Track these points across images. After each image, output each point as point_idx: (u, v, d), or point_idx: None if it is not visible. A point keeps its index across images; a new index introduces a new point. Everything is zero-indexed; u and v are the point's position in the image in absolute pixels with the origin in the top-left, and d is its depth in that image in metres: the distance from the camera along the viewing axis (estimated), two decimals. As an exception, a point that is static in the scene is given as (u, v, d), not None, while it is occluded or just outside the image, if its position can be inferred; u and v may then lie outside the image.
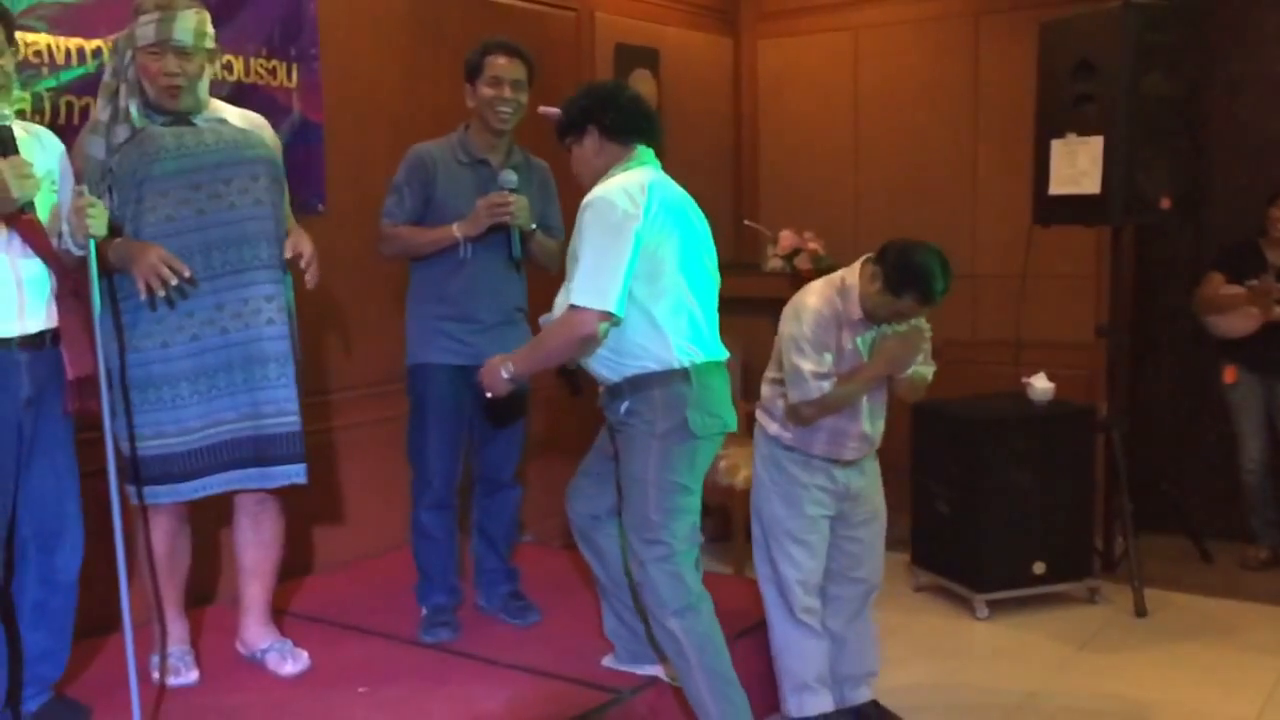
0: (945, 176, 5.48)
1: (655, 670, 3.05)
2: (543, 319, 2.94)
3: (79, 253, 2.63)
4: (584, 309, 2.68)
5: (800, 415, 3.04)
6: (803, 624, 3.15)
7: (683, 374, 2.76)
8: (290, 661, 3.10)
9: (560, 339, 2.75)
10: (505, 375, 2.84)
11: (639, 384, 2.77)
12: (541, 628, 3.44)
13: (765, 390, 3.21)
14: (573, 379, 3.06)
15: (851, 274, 3.06)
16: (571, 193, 3.02)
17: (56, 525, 2.71)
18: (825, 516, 3.16)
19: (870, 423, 3.13)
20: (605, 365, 2.81)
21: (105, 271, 2.75)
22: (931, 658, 3.95)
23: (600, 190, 2.76)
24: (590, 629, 3.30)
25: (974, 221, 5.43)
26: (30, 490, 2.67)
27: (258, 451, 2.89)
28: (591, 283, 2.67)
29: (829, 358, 3.01)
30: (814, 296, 3.06)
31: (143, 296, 2.74)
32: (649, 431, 2.76)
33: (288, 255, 2.91)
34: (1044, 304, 5.02)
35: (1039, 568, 4.35)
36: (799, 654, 3.15)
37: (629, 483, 2.82)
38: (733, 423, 2.87)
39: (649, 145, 2.90)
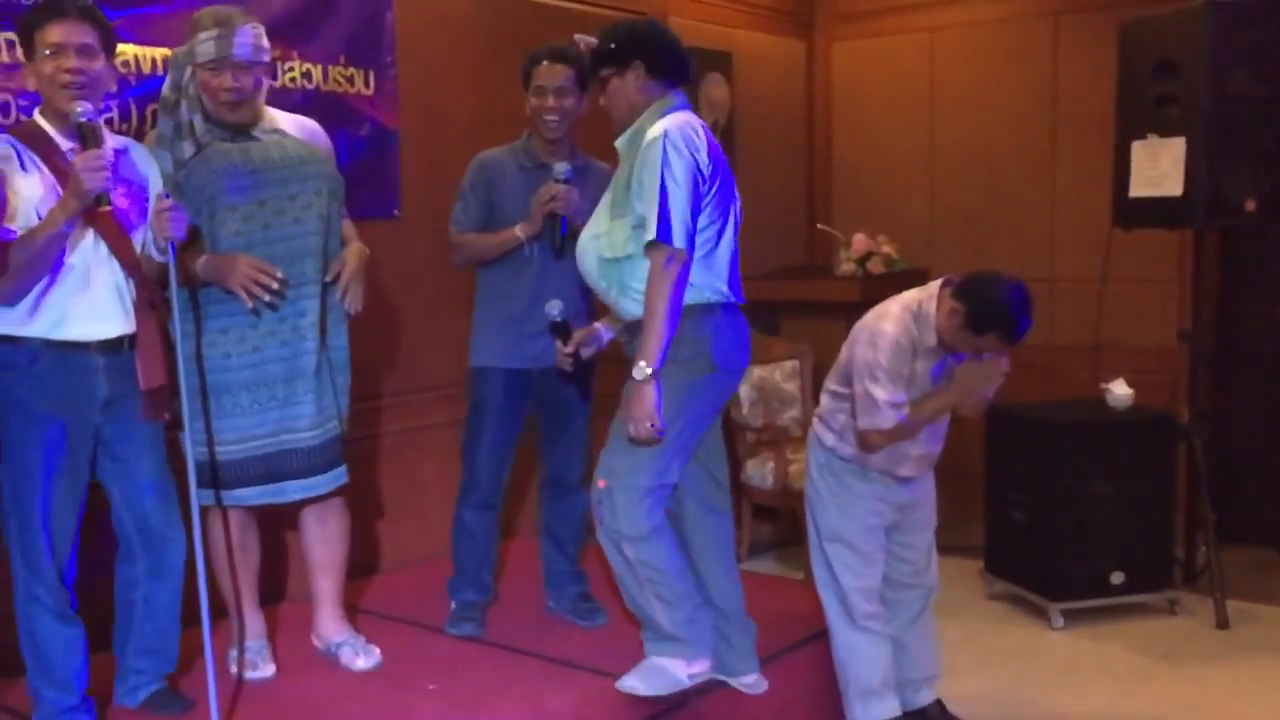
0: (1022, 179, 5.40)
1: (719, 676, 3.05)
2: (549, 306, 2.96)
3: (160, 258, 2.70)
4: (674, 247, 2.68)
5: (869, 442, 3.00)
6: (865, 629, 3.12)
7: (714, 309, 2.80)
8: (363, 656, 3.16)
9: (667, 293, 2.70)
10: (639, 377, 2.72)
11: None
12: (609, 629, 3.46)
13: (825, 401, 3.16)
14: (564, 330, 3.04)
15: (929, 300, 2.98)
16: (598, 137, 2.98)
17: (159, 522, 2.80)
18: (880, 526, 3.12)
19: (929, 444, 3.10)
20: (628, 299, 2.81)
21: (187, 284, 2.83)
22: (1004, 667, 3.90)
23: (667, 127, 2.74)
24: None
25: (1052, 224, 5.34)
26: (131, 490, 2.76)
27: (293, 464, 2.97)
28: (675, 220, 2.69)
29: (902, 387, 2.96)
30: (892, 324, 2.97)
31: (248, 305, 2.83)
32: (670, 358, 2.75)
33: (328, 277, 2.98)
34: (1124, 308, 4.92)
35: (1117, 577, 4.27)
36: (863, 660, 3.13)
37: (620, 406, 2.82)
38: (747, 364, 2.92)
39: (683, 89, 2.90)
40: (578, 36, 2.91)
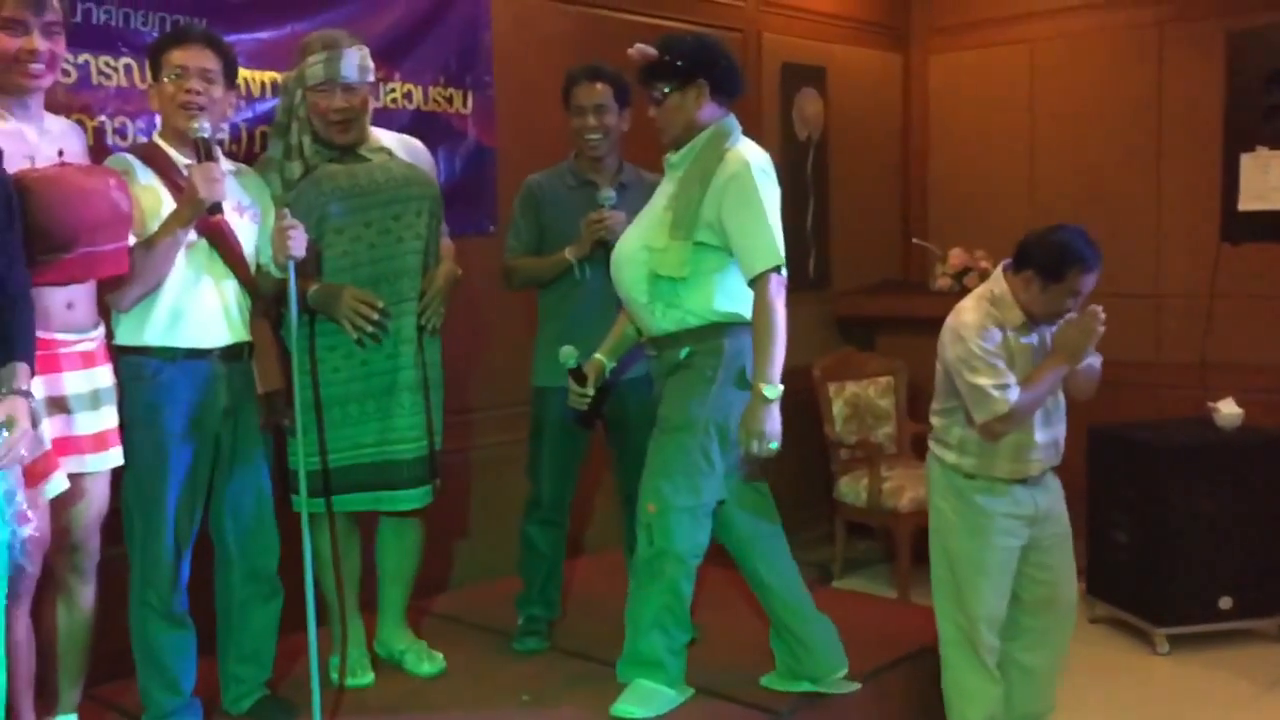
0: (1126, 193, 5.27)
1: (813, 687, 3.03)
2: (563, 355, 2.98)
3: (279, 275, 2.79)
4: (777, 273, 2.77)
5: (994, 432, 2.94)
6: (983, 667, 3.05)
7: (748, 327, 2.82)
8: (427, 662, 3.22)
9: (783, 313, 2.77)
10: (771, 396, 2.74)
11: (709, 332, 2.81)
12: (698, 646, 3.45)
13: (936, 422, 3.13)
14: (580, 374, 3.02)
15: (997, 284, 3.00)
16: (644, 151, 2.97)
17: (257, 529, 2.88)
18: (1016, 546, 3.04)
19: (1050, 429, 3.03)
20: (669, 316, 2.82)
21: (301, 303, 2.90)
22: (1108, 694, 3.80)
23: (747, 156, 2.79)
24: (748, 647, 3.30)
25: (1157, 239, 5.20)
26: (233, 497, 2.84)
27: (390, 475, 3.03)
28: (779, 245, 2.77)
29: (1004, 366, 2.93)
30: (970, 313, 2.99)
31: (353, 338, 2.92)
32: (709, 377, 2.78)
33: (421, 304, 3.04)
34: (1232, 324, 4.78)
35: (1225, 602, 4.14)
36: (976, 698, 3.06)
37: (675, 428, 2.81)
38: None
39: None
40: (638, 46, 2.89)
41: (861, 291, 5.65)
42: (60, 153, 2.52)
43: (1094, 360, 3.04)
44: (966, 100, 5.80)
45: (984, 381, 2.90)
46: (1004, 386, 2.89)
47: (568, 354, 3.02)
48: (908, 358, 5.28)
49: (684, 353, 2.83)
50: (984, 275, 5.23)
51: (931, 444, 3.15)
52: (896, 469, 4.92)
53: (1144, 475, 4.22)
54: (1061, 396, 3.07)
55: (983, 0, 5.71)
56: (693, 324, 2.82)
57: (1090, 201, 5.38)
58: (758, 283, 2.77)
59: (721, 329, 2.82)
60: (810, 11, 5.43)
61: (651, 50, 2.84)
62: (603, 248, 3.19)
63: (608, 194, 3.25)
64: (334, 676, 3.14)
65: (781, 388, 2.75)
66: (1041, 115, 5.54)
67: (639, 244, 2.88)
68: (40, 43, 2.40)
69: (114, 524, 2.70)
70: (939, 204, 5.93)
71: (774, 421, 2.74)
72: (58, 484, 2.40)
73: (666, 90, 2.83)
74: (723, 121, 2.86)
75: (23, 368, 2.18)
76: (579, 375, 3.03)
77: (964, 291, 5.18)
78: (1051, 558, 3.09)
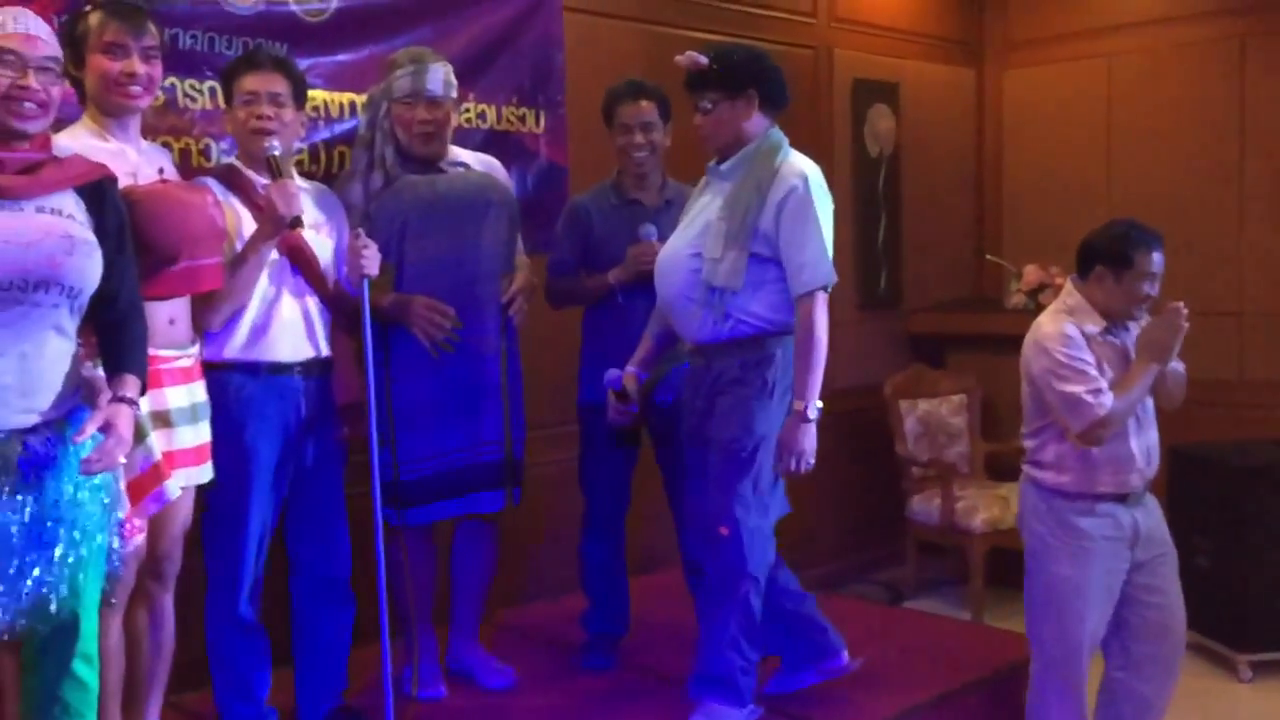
0: (1207, 209, 5.15)
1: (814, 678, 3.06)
2: (607, 378, 3.00)
3: (355, 293, 2.85)
4: (824, 290, 2.78)
5: (1094, 439, 2.86)
6: (1077, 697, 2.98)
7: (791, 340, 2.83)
8: (497, 675, 3.25)
9: (822, 333, 2.76)
10: (813, 416, 2.76)
11: (761, 342, 2.81)
12: (770, 661, 3.44)
13: (1029, 444, 3.05)
14: (622, 393, 3.05)
15: (1069, 296, 2.98)
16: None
17: (330, 539, 2.93)
18: (1120, 569, 2.97)
19: (1144, 435, 2.98)
20: (722, 324, 2.81)
21: (377, 318, 2.95)
22: (1187, 721, 3.71)
23: (803, 170, 2.81)
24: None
25: (1240, 256, 5.09)
26: (308, 507, 2.90)
27: (474, 477, 3.08)
28: (828, 262, 2.79)
29: (1094, 372, 2.88)
30: (1050, 325, 2.95)
31: (427, 346, 2.98)
32: (765, 390, 2.79)
33: (504, 299, 3.10)
34: (1320, 343, 4.65)
35: (1311, 628, 4.02)
36: None
37: (738, 446, 2.78)
38: None
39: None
40: (689, 54, 2.88)
41: (934, 309, 5.60)
42: (160, 170, 2.61)
43: (1178, 365, 2.99)
44: (1042, 115, 5.72)
45: (1076, 389, 2.85)
46: (1097, 391, 2.84)
47: (612, 377, 3.07)
48: (980, 376, 5.22)
49: (739, 364, 2.83)
50: (1059, 292, 5.17)
51: (1026, 468, 3.08)
52: (969, 488, 4.86)
53: (1226, 497, 4.12)
54: (1151, 402, 3.02)
55: (1059, 15, 5.64)
56: (746, 333, 2.83)
57: (1170, 218, 5.24)
58: (804, 299, 2.78)
59: (775, 339, 2.83)
60: (882, 28, 5.41)
61: (702, 59, 2.86)
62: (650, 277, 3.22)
63: (649, 229, 3.26)
64: (408, 687, 3.17)
65: (821, 405, 2.76)
66: (1119, 131, 5.45)
67: (689, 251, 2.89)
68: (139, 66, 2.48)
69: (190, 533, 2.75)
70: (1013, 220, 5.86)
71: (812, 439, 2.76)
72: (172, 491, 2.47)
73: (716, 99, 2.84)
74: (771, 132, 2.88)
75: (131, 379, 2.24)
76: (621, 395, 3.06)
77: (1039, 309, 5.11)
78: (1157, 579, 3.01)
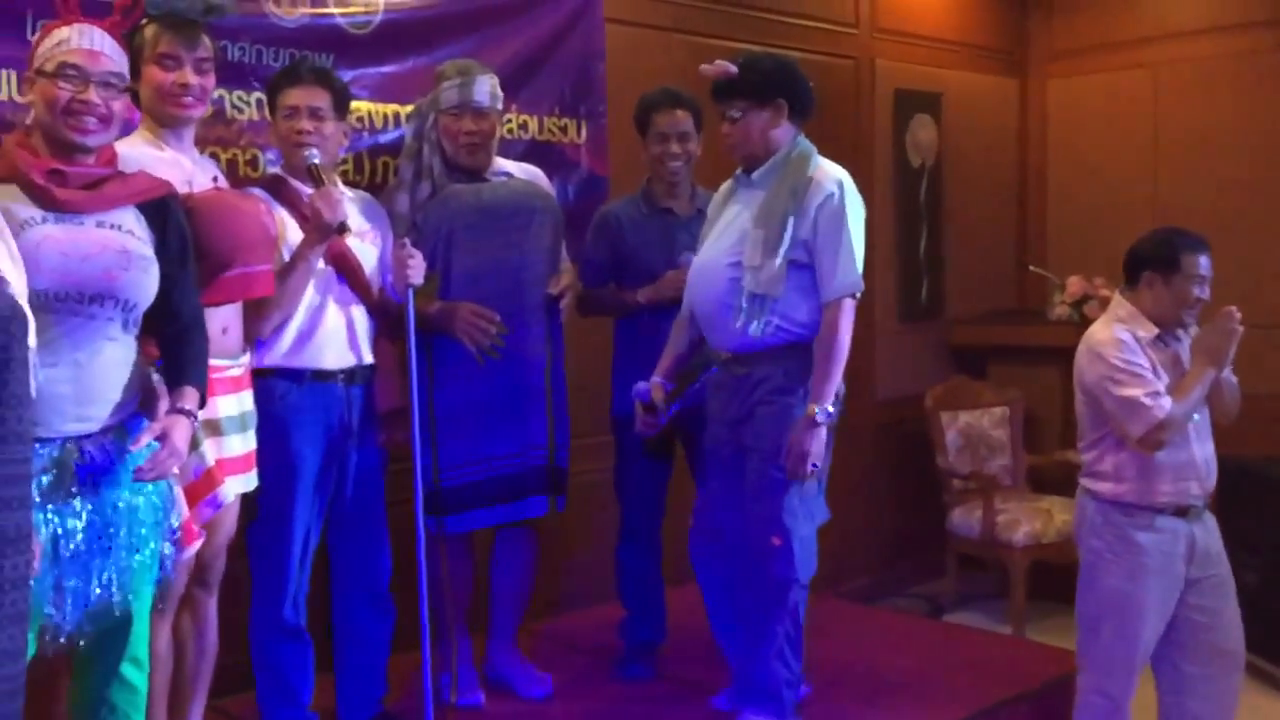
0: (1256, 220, 5.07)
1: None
2: (636, 391, 3.00)
3: (399, 300, 2.88)
4: (853, 297, 2.80)
5: (1155, 443, 2.82)
6: (1124, 716, 2.95)
7: None
8: (535, 683, 3.25)
9: (845, 339, 2.79)
10: (821, 420, 2.77)
11: (799, 349, 2.83)
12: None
13: (1087, 456, 3.01)
14: (651, 406, 3.06)
15: (1120, 307, 2.96)
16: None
17: (371, 546, 2.96)
18: (1175, 586, 2.92)
19: (1202, 444, 2.94)
20: (761, 331, 2.81)
21: (422, 326, 2.98)
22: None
23: (838, 177, 2.84)
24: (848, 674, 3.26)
25: (1289, 267, 5.01)
26: (351, 514, 2.92)
27: (521, 483, 3.09)
28: (858, 269, 2.81)
29: (1150, 376, 2.84)
30: (1102, 332, 2.93)
31: (473, 353, 3.00)
32: (805, 399, 2.79)
33: (553, 291, 3.12)
34: (1372, 357, 4.57)
35: (1362, 648, 3.94)
36: None
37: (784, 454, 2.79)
38: None
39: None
40: (718, 62, 2.89)
41: (976, 320, 5.55)
42: (215, 179, 2.64)
43: (1232, 378, 2.97)
44: (1086, 125, 5.67)
45: (1134, 392, 2.81)
46: (1155, 394, 2.80)
47: (641, 390, 3.08)
48: (1023, 388, 5.17)
49: (783, 372, 2.83)
50: (1104, 304, 5.10)
51: (1083, 480, 3.03)
52: (1011, 502, 4.81)
53: (1274, 512, 4.05)
54: (1207, 414, 2.98)
55: (1103, 24, 5.59)
56: (786, 340, 2.84)
57: (1218, 229, 5.14)
58: (833, 304, 2.80)
59: (812, 345, 2.85)
60: (924, 38, 5.39)
61: (732, 68, 2.87)
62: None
63: (688, 257, 3.24)
64: (446, 694, 3.18)
65: (832, 410, 2.77)
66: (1166, 140, 5.38)
67: (727, 260, 2.89)
68: (192, 77, 2.51)
69: (235, 539, 2.78)
70: (1056, 231, 5.80)
71: (820, 443, 2.78)
72: (226, 496, 2.51)
73: (745, 108, 2.86)
74: (800, 140, 2.90)
75: (191, 391, 2.26)
76: (649, 407, 3.07)
77: (1084, 321, 5.07)
78: (1211, 600, 2.96)
